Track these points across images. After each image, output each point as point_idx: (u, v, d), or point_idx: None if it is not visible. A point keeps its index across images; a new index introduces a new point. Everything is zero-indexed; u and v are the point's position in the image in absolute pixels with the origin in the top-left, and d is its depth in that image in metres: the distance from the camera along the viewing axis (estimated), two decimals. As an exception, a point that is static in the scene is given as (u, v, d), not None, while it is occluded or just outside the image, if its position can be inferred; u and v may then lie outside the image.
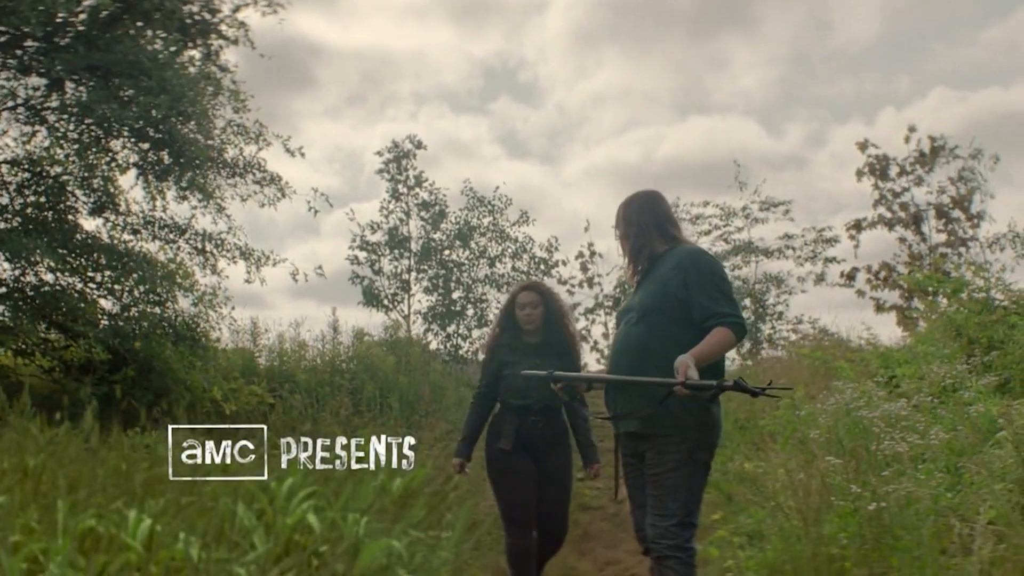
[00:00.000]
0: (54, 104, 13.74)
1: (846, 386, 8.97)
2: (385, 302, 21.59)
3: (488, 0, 40.19)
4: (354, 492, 7.19)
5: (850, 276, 24.71)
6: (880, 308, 24.10)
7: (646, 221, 5.25)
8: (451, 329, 21.71)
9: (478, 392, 7.08)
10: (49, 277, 13.36)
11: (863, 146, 25.26)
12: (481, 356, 8.43)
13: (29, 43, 13.34)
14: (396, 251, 22.00)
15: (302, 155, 14.46)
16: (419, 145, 22.41)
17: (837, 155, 40.00)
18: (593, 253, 24.26)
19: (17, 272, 13.19)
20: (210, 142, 13.96)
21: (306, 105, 36.62)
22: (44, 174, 13.79)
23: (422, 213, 22.26)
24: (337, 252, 35.69)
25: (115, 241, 13.96)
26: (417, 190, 22.29)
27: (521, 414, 6.74)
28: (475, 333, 21.85)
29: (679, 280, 4.93)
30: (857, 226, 24.97)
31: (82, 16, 13.29)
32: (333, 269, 37.63)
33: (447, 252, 22.08)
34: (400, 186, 22.26)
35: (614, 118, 42.58)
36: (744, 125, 40.10)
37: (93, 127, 13.50)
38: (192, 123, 13.46)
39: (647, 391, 4.80)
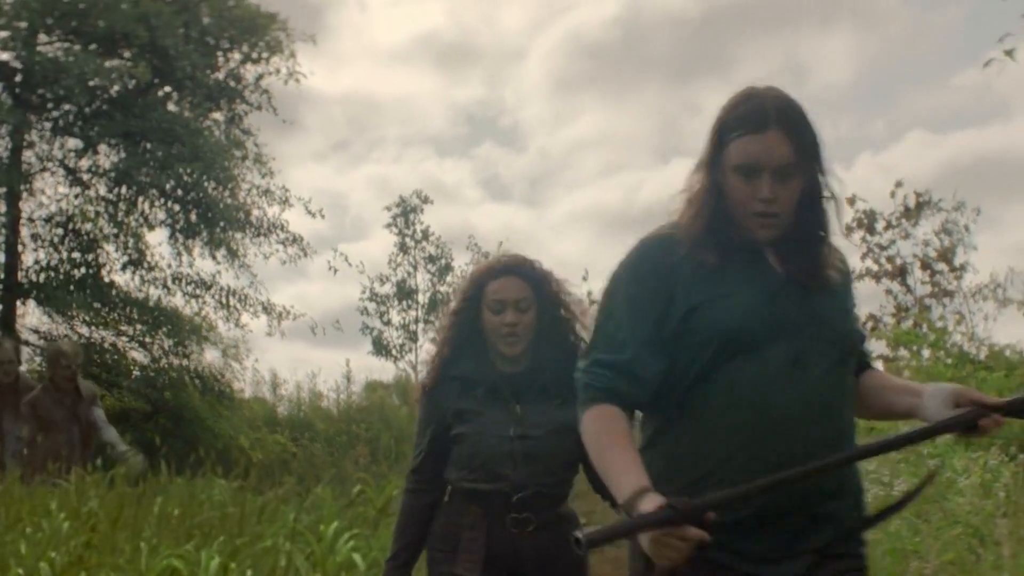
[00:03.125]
0: (85, 165, 14.75)
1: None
2: (394, 352, 22.47)
3: (469, 47, 41.17)
4: (385, 530, 8.06)
5: (838, 327, 25.58)
6: (868, 358, 24.94)
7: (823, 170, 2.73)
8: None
9: (411, 470, 3.94)
10: (84, 330, 14.24)
11: (851, 201, 26.22)
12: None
13: (66, 106, 14.31)
14: (404, 303, 22.89)
15: (322, 216, 15.52)
16: (425, 200, 23.37)
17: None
18: (593, 302, 25.07)
19: (62, 327, 14.12)
20: (235, 202, 14.88)
21: (294, 148, 37.63)
22: (77, 231, 14.72)
23: (429, 266, 23.16)
24: (324, 293, 36.56)
25: (144, 296, 14.86)
26: (424, 243, 23.20)
27: (491, 509, 3.68)
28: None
29: (851, 302, 2.91)
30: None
31: (116, 85, 14.25)
32: (322, 309, 38.34)
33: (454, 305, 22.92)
34: (407, 239, 23.18)
35: (595, 162, 43.51)
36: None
37: (125, 187, 14.46)
38: (222, 187, 14.39)
39: (853, 482, 2.76)
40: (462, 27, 39.50)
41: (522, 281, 3.78)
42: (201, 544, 6.49)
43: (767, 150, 2.54)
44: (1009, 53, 8.24)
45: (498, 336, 3.77)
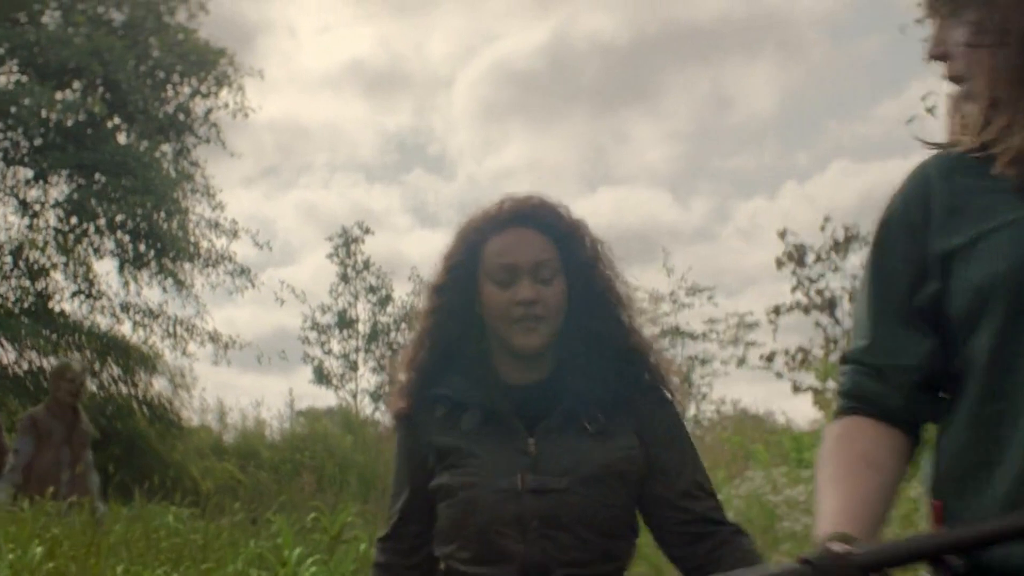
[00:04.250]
0: (36, 195, 15.00)
1: (756, 474, 10.36)
2: (335, 381, 22.73)
3: (397, 75, 41.59)
4: (343, 557, 8.40)
5: (769, 359, 26.23)
6: (797, 389, 25.63)
7: None
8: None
9: (382, 537, 2.56)
10: (33, 357, 14.44)
11: (782, 234, 26.92)
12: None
13: (18, 137, 14.57)
14: (345, 332, 23.18)
15: (270, 248, 15.87)
16: (367, 231, 23.71)
17: (742, 230, 41.62)
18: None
19: (11, 354, 14.31)
20: (181, 234, 15.19)
21: (222, 173, 37.81)
22: (27, 259, 14.94)
23: (369, 296, 23.46)
24: (253, 319, 36.82)
25: (93, 324, 15.11)
26: (364, 273, 23.50)
27: None
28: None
29: None
30: (776, 311, 26.58)
31: (69, 117, 14.52)
32: (250, 335, 38.50)
33: (394, 334, 23.28)
34: (348, 270, 23.47)
35: (523, 190, 43.56)
36: (653, 197, 41.79)
37: (74, 216, 14.72)
38: (173, 220, 14.71)
39: None
40: (391, 54, 39.97)
41: (542, 236, 2.40)
42: (170, 570, 6.79)
43: None
44: (931, 111, 8.81)
45: (506, 321, 2.34)
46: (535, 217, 2.41)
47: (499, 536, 2.27)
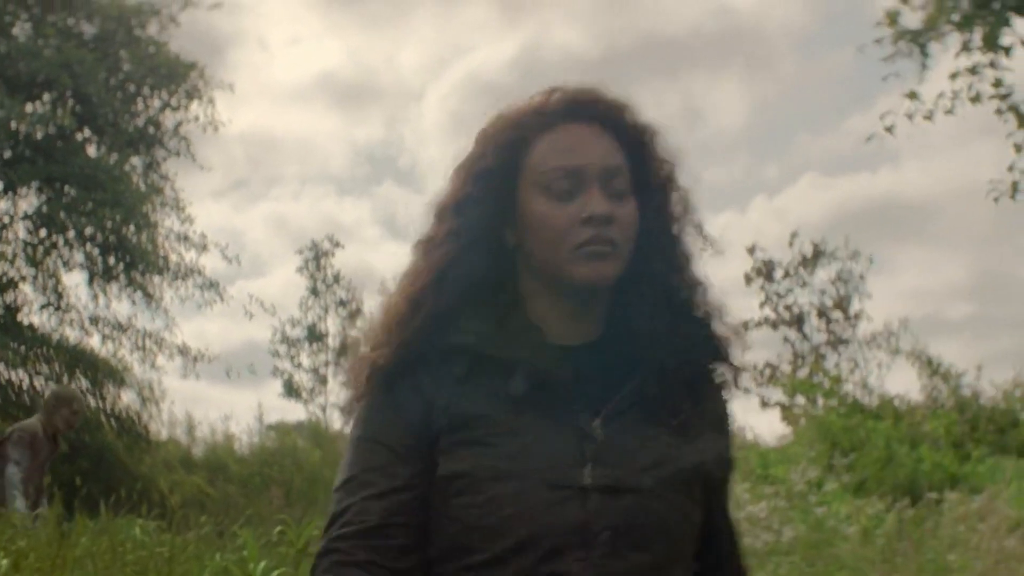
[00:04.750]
0: (4, 205, 15.00)
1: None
2: (304, 395, 22.76)
3: (368, 87, 41.77)
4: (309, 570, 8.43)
5: (737, 374, 26.36)
6: (765, 405, 25.79)
7: None
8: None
9: (333, 538, 1.57)
10: (1, 369, 14.42)
11: (751, 250, 27.14)
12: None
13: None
14: (314, 345, 23.21)
15: (239, 262, 15.89)
16: (337, 244, 23.77)
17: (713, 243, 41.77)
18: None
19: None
20: (150, 247, 15.21)
21: (192, 185, 37.82)
22: (-7, 271, 14.96)
23: (339, 310, 23.51)
24: (224, 332, 36.82)
25: (62, 337, 15.11)
26: (334, 287, 23.55)
27: None
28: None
29: None
30: (744, 326, 26.71)
31: (39, 130, 14.53)
32: (223, 347, 38.57)
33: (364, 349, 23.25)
34: (319, 283, 23.52)
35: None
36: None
37: (44, 229, 14.74)
38: (143, 233, 14.73)
39: None
40: (361, 67, 40.16)
41: (610, 136, 1.69)
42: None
43: None
44: (889, 129, 9.00)
45: (565, 247, 1.62)
46: (597, 112, 1.71)
47: (554, 552, 1.53)
